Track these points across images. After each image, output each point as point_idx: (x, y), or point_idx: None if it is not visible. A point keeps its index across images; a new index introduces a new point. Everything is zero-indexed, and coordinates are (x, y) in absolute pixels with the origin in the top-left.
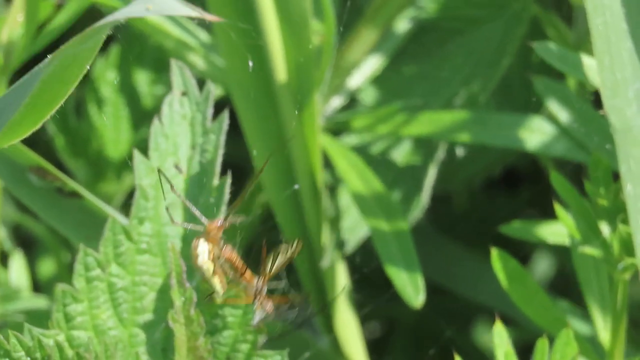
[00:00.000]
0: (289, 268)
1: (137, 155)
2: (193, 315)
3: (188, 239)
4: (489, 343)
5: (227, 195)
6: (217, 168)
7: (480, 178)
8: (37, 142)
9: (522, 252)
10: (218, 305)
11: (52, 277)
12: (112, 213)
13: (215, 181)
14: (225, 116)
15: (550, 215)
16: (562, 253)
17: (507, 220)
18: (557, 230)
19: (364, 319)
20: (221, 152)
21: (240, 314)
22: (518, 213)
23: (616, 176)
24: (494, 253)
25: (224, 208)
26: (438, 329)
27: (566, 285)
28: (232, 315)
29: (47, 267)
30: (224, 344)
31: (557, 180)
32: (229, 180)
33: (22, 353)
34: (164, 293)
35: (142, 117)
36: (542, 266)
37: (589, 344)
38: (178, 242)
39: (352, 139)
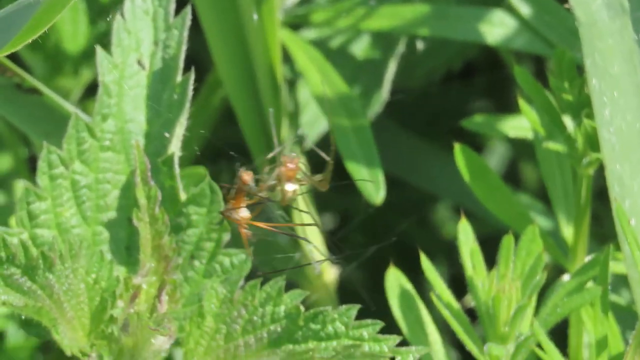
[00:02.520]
0: (249, 163)
1: (99, 51)
2: (157, 214)
3: (151, 136)
4: (446, 234)
5: (190, 92)
6: (180, 64)
7: (440, 72)
8: None
9: (476, 144)
10: (182, 203)
11: (10, 172)
12: (71, 109)
13: (179, 77)
14: (188, 12)
15: (505, 107)
16: (517, 146)
17: (463, 111)
18: (519, 124)
19: (320, 212)
20: (184, 48)
21: (204, 212)
22: (473, 104)
23: (580, 70)
24: (457, 147)
25: (187, 105)
26: (394, 220)
27: (519, 178)
28: (196, 213)
29: (4, 162)
30: (189, 242)
31: (520, 74)
32: (192, 76)
33: None
34: (127, 191)
35: (100, 10)
36: (495, 159)
37: (552, 238)
38: (142, 140)
39: (311, 33)
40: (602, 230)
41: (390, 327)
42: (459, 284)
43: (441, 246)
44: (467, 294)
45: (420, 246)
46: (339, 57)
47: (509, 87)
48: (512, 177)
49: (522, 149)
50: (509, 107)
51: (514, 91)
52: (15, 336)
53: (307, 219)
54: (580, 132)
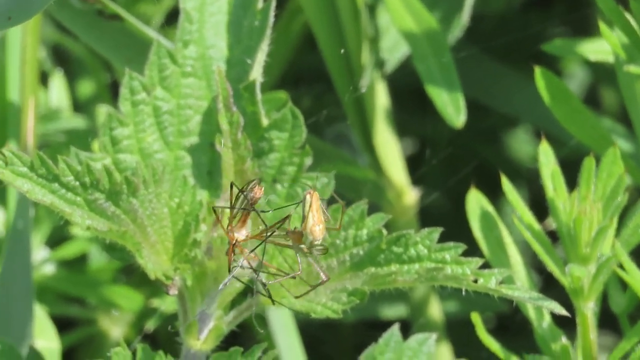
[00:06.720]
0: (329, 88)
1: None
2: (240, 139)
3: (232, 63)
4: (526, 158)
5: (271, 18)
6: None
7: None
8: None
9: (555, 69)
10: (264, 129)
11: (92, 97)
12: (153, 35)
13: (260, 4)
14: None
15: (584, 34)
16: (597, 71)
17: (542, 37)
18: (599, 47)
19: (400, 136)
20: None
21: (286, 137)
22: (552, 30)
23: None
24: (537, 70)
25: (268, 32)
26: (473, 144)
27: (599, 103)
28: (278, 138)
29: (86, 87)
30: (270, 167)
31: None
32: (273, 2)
33: (71, 178)
34: (209, 116)
35: None
36: (575, 84)
37: (633, 161)
38: (223, 66)
39: None
40: None
41: (472, 250)
42: (539, 208)
43: (521, 170)
44: (547, 218)
45: (500, 169)
46: None
47: (588, 14)
48: (592, 102)
49: (601, 74)
50: (587, 34)
51: (593, 18)
52: (98, 258)
53: (388, 142)
54: None
